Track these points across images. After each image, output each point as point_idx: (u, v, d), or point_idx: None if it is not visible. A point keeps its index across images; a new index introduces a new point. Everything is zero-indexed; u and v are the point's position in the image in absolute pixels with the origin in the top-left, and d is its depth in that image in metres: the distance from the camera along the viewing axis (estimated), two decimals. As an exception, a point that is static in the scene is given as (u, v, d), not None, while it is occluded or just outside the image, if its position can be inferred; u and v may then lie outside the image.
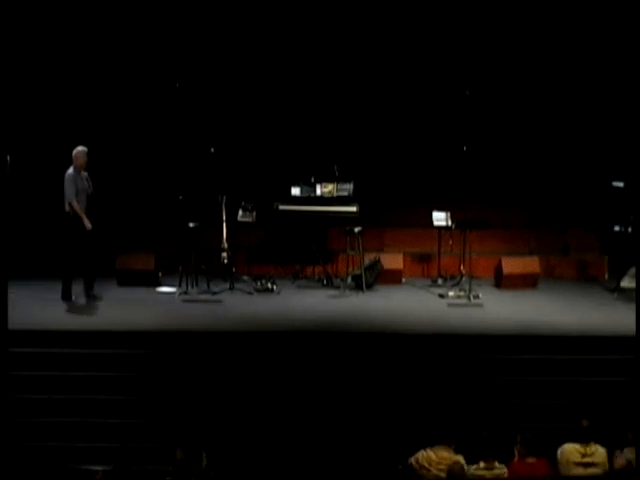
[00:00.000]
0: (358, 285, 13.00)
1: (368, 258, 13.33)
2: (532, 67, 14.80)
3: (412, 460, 8.37)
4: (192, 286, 12.70)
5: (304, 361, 10.32)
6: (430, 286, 13.30)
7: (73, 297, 12.15)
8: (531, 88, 14.84)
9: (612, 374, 10.24)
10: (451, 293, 12.70)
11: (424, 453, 8.37)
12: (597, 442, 8.43)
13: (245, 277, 13.30)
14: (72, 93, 14.54)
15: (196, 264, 12.80)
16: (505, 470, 8.21)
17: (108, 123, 14.63)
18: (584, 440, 8.42)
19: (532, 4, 14.70)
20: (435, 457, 8.31)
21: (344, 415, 9.85)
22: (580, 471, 8.31)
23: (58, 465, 9.33)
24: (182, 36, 14.67)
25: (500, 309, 12.05)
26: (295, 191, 13.30)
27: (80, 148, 12.16)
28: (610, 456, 8.47)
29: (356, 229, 13.04)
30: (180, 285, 12.76)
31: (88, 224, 11.98)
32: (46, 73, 14.44)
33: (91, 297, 12.24)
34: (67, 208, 11.98)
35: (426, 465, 8.30)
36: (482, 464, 8.18)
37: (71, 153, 12.11)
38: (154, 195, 14.31)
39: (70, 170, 12.11)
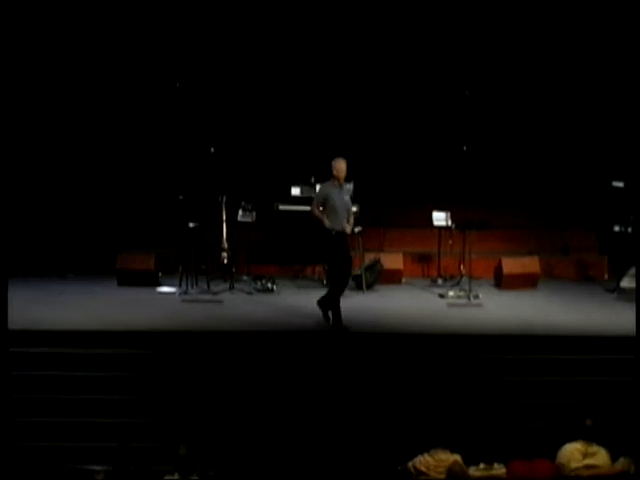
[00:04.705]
0: (358, 285, 12.99)
1: (368, 258, 13.33)
2: (532, 67, 14.80)
3: (410, 466, 8.35)
4: (192, 286, 12.70)
5: (304, 361, 10.31)
6: (430, 286, 13.30)
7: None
8: (531, 88, 14.84)
9: (612, 374, 10.23)
10: (451, 293, 12.69)
11: (421, 458, 8.34)
12: (599, 444, 8.42)
13: (245, 277, 13.30)
14: (72, 93, 14.52)
15: (196, 264, 12.79)
16: (504, 470, 8.20)
17: (109, 123, 14.62)
18: (587, 439, 8.40)
19: (532, 4, 14.70)
20: (433, 461, 8.29)
21: (344, 415, 9.84)
22: (582, 472, 8.30)
23: (58, 465, 9.31)
24: (182, 36, 14.67)
25: (500, 309, 12.04)
26: (295, 191, 13.31)
27: (338, 159, 11.36)
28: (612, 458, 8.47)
29: (356, 229, 13.02)
30: (180, 285, 12.76)
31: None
32: (47, 73, 14.42)
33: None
34: (326, 224, 11.16)
35: (424, 470, 8.28)
36: (482, 465, 8.17)
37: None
38: (154, 195, 14.31)
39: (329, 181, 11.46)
